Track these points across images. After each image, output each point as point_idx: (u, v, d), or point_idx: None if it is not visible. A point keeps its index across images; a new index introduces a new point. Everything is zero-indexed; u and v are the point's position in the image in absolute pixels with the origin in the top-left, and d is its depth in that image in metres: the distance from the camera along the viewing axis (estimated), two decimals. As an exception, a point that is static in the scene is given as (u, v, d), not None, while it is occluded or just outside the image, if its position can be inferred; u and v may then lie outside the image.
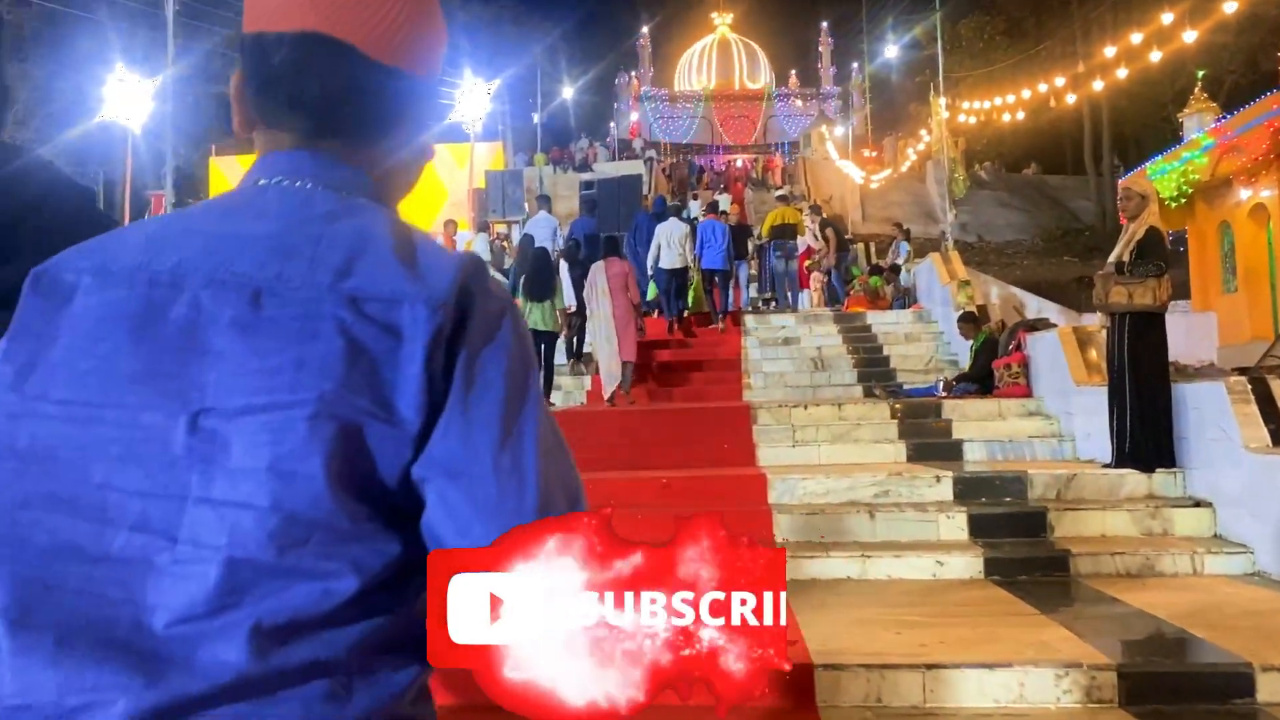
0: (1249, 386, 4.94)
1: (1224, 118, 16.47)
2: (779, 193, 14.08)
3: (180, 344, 0.73)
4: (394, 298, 0.73)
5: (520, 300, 8.94)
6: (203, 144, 37.00)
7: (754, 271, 16.13)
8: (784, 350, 11.51)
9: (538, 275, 9.24)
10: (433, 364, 0.72)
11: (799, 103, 49.91)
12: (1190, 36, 17.96)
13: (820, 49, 52.57)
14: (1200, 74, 18.60)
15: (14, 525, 0.71)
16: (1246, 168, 14.82)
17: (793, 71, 53.23)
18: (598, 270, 9.25)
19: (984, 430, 7.51)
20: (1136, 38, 19.79)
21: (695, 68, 53.64)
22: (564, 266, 11.23)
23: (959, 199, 15.15)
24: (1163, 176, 17.12)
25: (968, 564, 4.89)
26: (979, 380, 8.63)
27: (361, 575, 0.71)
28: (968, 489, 5.64)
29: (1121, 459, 5.60)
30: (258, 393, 0.70)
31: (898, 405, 7.92)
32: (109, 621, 0.69)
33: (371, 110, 0.83)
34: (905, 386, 9.67)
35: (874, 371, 10.59)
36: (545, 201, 13.70)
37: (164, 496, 0.70)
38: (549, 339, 9.32)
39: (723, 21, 55.56)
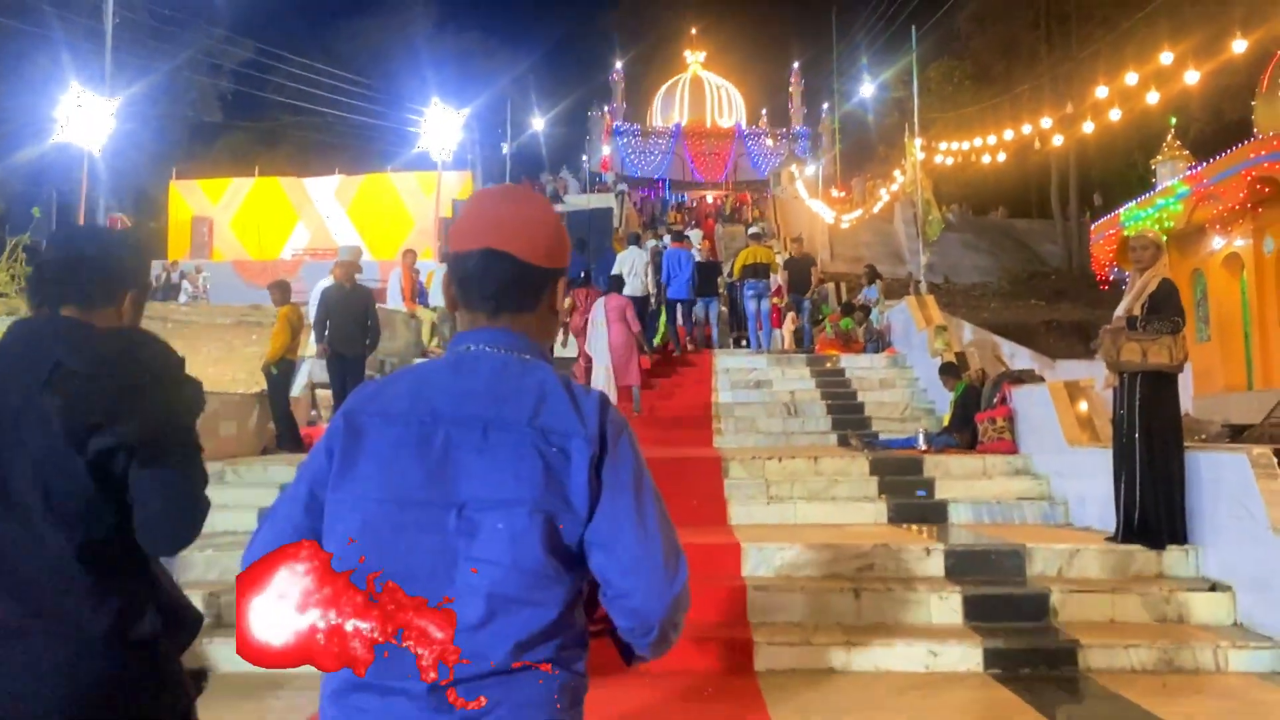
0: (1276, 461, 4.47)
1: (1196, 166, 16.36)
2: (752, 230, 13.65)
3: (443, 460, 1.30)
4: (567, 432, 1.32)
5: None
6: (165, 166, 36.16)
7: (724, 309, 15.67)
8: (756, 394, 11.00)
9: None
10: (591, 475, 1.31)
11: (769, 141, 50.01)
12: (1154, 98, 17.84)
13: (791, 89, 52.83)
14: (1172, 121, 18.50)
15: (358, 570, 1.21)
16: (1222, 216, 14.64)
17: (763, 110, 53.41)
18: (598, 306, 10.18)
19: (969, 490, 7.01)
20: (1102, 91, 19.72)
21: (668, 104, 53.64)
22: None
23: (932, 241, 14.78)
24: (1137, 223, 16.93)
25: (964, 654, 4.34)
26: (961, 433, 8.16)
27: (560, 605, 1.30)
28: (961, 564, 5.11)
29: (1129, 533, 5.10)
30: (494, 492, 1.28)
31: (877, 459, 7.41)
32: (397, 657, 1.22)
33: (528, 293, 1.44)
34: (881, 436, 9.18)
35: (849, 419, 10.10)
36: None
37: (445, 554, 1.27)
38: None
39: (696, 59, 55.74)
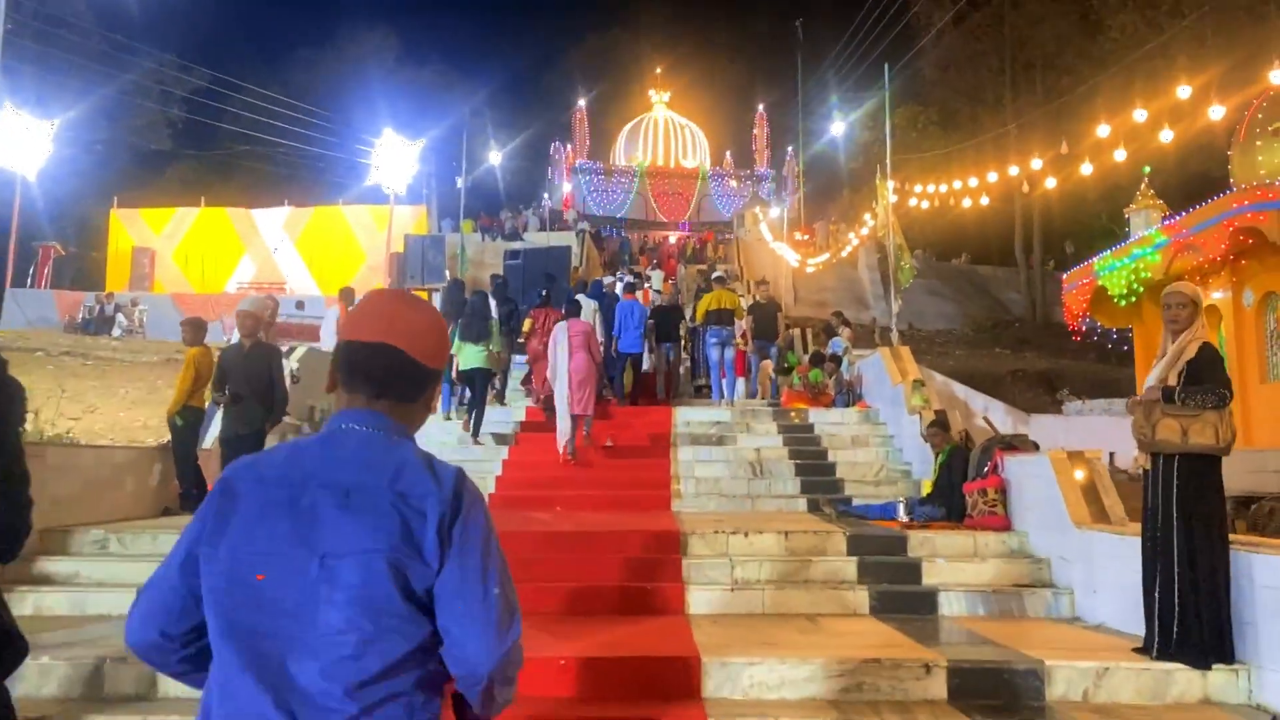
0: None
1: (1171, 216, 15.93)
2: (715, 274, 12.86)
3: (309, 518, 1.48)
4: (423, 494, 1.51)
5: (455, 340, 10.20)
6: (110, 194, 34.77)
7: (685, 355, 14.80)
8: (718, 451, 10.11)
9: (472, 320, 10.37)
10: (441, 532, 1.49)
11: (733, 183, 49.73)
12: (1120, 153, 17.55)
13: (755, 131, 52.74)
14: (1146, 170, 18.12)
15: (232, 617, 1.46)
16: (1201, 267, 14.15)
17: (727, 152, 53.23)
18: (560, 329, 9.90)
19: (960, 573, 6.15)
20: (1065, 144, 19.41)
21: (631, 143, 53.27)
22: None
23: (904, 288, 14.09)
24: (1111, 273, 16.45)
25: (981, 814, 3.44)
26: (946, 502, 7.32)
27: (412, 643, 1.47)
28: (967, 684, 4.22)
29: (1165, 646, 4.25)
30: (351, 544, 1.46)
31: (855, 536, 6.53)
32: (276, 671, 1.44)
33: (411, 386, 1.64)
34: (856, 503, 8.33)
35: (819, 481, 9.25)
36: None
37: (308, 600, 1.44)
38: (482, 375, 10.34)
39: (660, 99, 55.51)
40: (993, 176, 22.41)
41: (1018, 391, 25.33)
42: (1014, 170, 22.05)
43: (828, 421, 10.83)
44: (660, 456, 9.91)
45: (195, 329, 8.36)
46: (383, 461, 1.52)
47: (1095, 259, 17.37)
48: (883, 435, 10.39)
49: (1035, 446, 7.32)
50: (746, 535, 6.49)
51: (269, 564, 1.45)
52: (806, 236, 39.23)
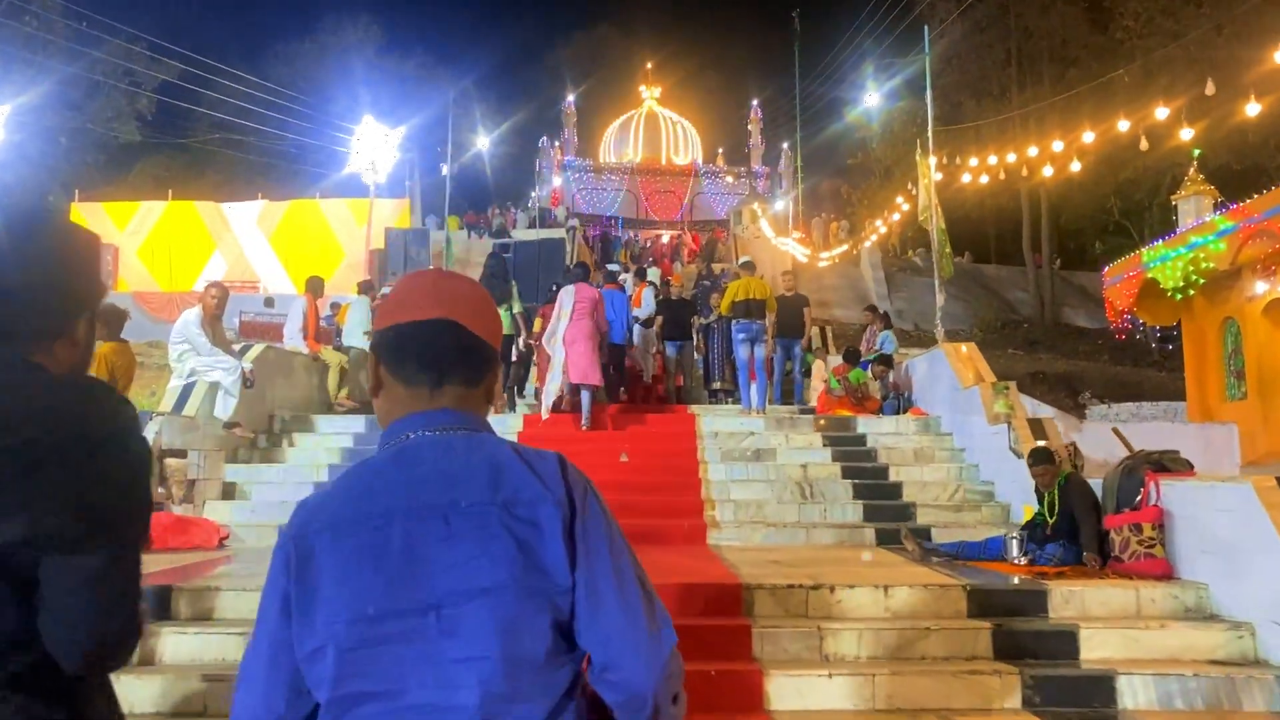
0: None
1: (1228, 204, 14.42)
2: (742, 260, 11.19)
3: (407, 560, 1.18)
4: (532, 500, 1.22)
5: None
6: (70, 185, 32.80)
7: (699, 356, 13.16)
8: (756, 468, 8.43)
9: (491, 282, 9.85)
10: (565, 544, 1.21)
11: (729, 179, 48.26)
12: (1139, 142, 16.58)
13: (750, 127, 51.36)
14: (1195, 154, 16.61)
15: (348, 710, 1.19)
16: (1277, 256, 12.62)
17: (719, 149, 51.75)
18: (566, 294, 9.14)
19: (1132, 645, 4.50)
20: (1089, 136, 18.22)
21: (621, 140, 51.71)
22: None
23: (946, 280, 12.51)
24: (1164, 264, 14.89)
25: None
26: (1070, 541, 5.68)
27: (558, 693, 1.21)
28: None
29: None
30: (469, 583, 1.17)
31: (975, 590, 4.87)
32: None
33: (476, 367, 1.35)
34: (940, 541, 6.68)
35: (884, 506, 7.59)
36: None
37: (431, 662, 1.16)
38: (505, 341, 9.71)
39: (651, 95, 54.01)
40: (1008, 159, 20.96)
41: (1040, 395, 23.91)
42: (1033, 152, 20.62)
43: (881, 432, 9.16)
44: (688, 475, 8.21)
45: (109, 322, 6.64)
46: (473, 469, 1.25)
47: (1144, 249, 15.81)
48: (949, 448, 8.74)
49: (1189, 466, 5.69)
50: (833, 590, 4.82)
51: (376, 626, 1.17)
52: (801, 234, 37.81)
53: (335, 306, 14.14)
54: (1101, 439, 9.59)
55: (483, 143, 33.30)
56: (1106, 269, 17.21)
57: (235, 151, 36.85)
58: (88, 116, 34.76)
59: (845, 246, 26.28)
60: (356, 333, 10.97)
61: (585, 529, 1.23)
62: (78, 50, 31.48)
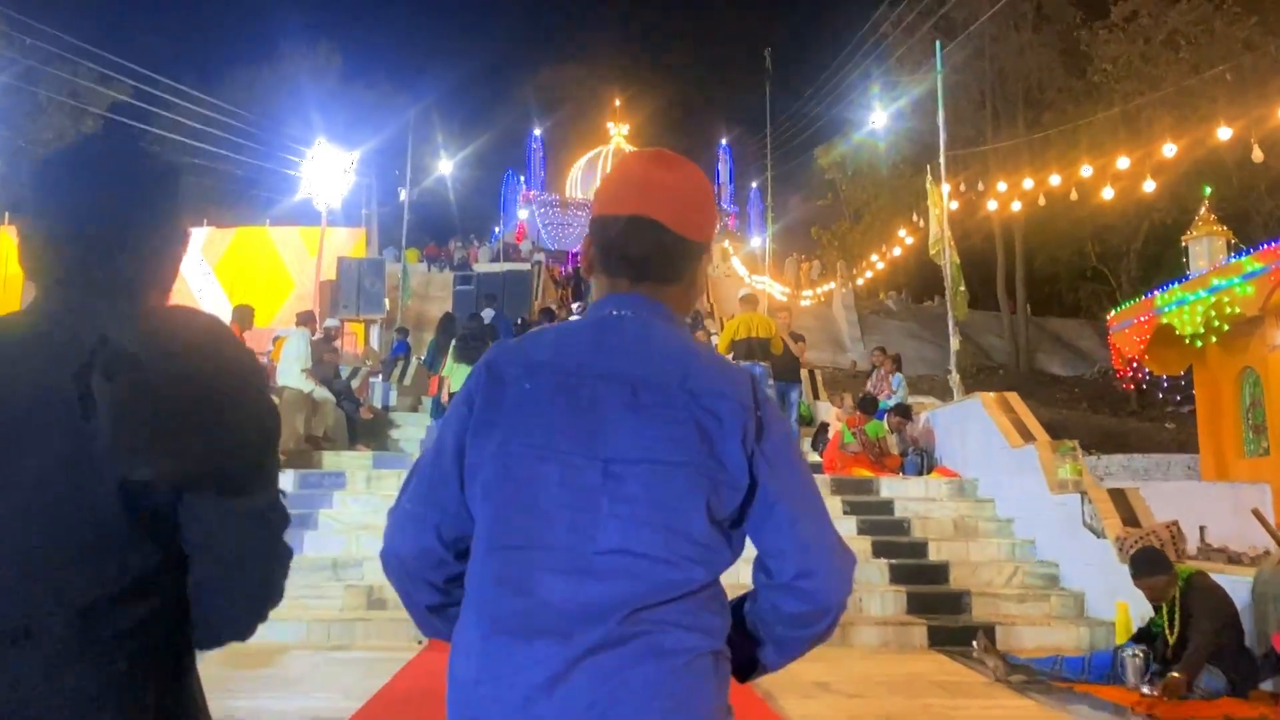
0: None
1: (1245, 249, 13.45)
2: (743, 293, 9.88)
3: (589, 414, 1.20)
4: (717, 394, 1.21)
5: (449, 362, 9.75)
6: (2, 208, 30.77)
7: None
8: (767, 543, 7.00)
9: (469, 344, 9.84)
10: (746, 444, 1.20)
11: (698, 217, 47.43)
12: (1107, 192, 16.20)
13: (719, 167, 50.71)
14: (1206, 190, 15.69)
15: (500, 525, 1.20)
16: (1313, 301, 11.57)
17: (689, 187, 50.99)
18: None
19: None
20: (1055, 179, 17.78)
21: (588, 176, 50.67)
22: None
23: (960, 321, 11.27)
24: (1180, 308, 13.86)
25: None
26: (1214, 661, 4.29)
27: (711, 571, 1.20)
28: None
29: None
30: (645, 452, 1.18)
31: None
32: (536, 610, 1.16)
33: (672, 264, 1.34)
34: (1027, 659, 5.27)
35: (930, 595, 6.20)
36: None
37: (587, 510, 1.17)
38: None
39: (619, 131, 53.20)
40: (988, 205, 20.10)
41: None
42: (1002, 187, 19.88)
43: (909, 497, 7.79)
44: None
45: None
46: (667, 354, 1.27)
47: (1157, 293, 14.77)
48: (994, 518, 7.38)
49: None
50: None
51: (543, 463, 1.20)
52: (769, 278, 36.90)
53: (277, 340, 12.56)
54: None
55: (446, 167, 31.78)
56: (1111, 314, 16.14)
57: (192, 176, 35.15)
58: (26, 136, 32.93)
59: (833, 284, 25.14)
60: (293, 370, 9.44)
61: (774, 443, 1.23)
62: (24, 66, 29.76)
